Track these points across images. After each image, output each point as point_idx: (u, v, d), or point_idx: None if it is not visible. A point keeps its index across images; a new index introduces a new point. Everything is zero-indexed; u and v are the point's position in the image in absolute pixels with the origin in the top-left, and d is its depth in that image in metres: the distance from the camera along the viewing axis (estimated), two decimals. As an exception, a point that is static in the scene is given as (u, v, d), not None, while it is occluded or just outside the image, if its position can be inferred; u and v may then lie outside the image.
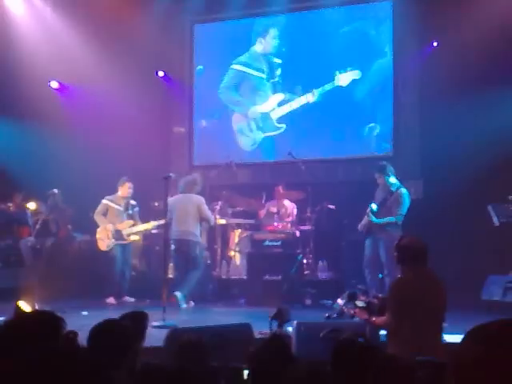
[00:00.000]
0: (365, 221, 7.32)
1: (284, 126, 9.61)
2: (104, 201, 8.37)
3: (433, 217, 8.27)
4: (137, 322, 3.37)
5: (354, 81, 9.42)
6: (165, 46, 9.89)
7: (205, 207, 7.84)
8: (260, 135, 9.71)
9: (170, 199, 7.61)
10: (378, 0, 9.57)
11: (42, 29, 9.78)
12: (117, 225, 8.28)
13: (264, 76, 9.58)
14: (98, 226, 8.33)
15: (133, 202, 8.46)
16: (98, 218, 8.34)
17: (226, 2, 9.99)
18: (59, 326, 2.59)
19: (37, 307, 5.66)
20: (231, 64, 10.05)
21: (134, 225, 8.37)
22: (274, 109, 9.39)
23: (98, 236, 8.33)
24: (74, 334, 2.59)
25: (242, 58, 9.78)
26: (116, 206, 8.36)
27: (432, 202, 8.33)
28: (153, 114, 9.82)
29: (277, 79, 9.40)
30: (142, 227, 8.43)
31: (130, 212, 8.41)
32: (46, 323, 2.54)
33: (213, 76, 10.27)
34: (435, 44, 8.87)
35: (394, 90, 9.26)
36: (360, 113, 9.44)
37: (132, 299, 8.22)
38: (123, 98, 9.33)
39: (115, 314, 3.47)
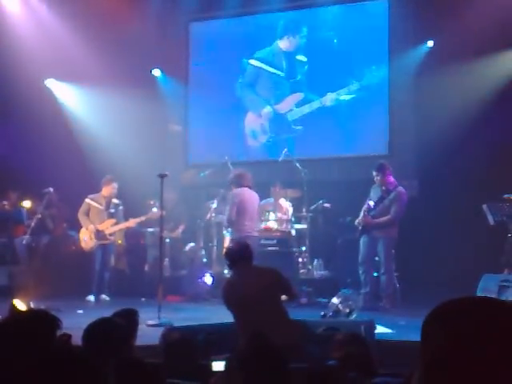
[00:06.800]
0: (362, 217, 7.34)
1: (300, 127, 9.17)
2: (87, 200, 8.40)
3: (428, 216, 8.29)
4: (129, 319, 3.37)
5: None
6: (161, 45, 9.87)
7: None
8: (273, 137, 9.18)
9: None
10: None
11: (38, 27, 9.73)
12: (97, 225, 8.30)
13: (283, 74, 9.06)
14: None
15: (116, 201, 8.44)
16: (81, 217, 8.39)
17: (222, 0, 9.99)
18: (54, 326, 2.56)
19: (32, 306, 5.65)
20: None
21: (115, 224, 8.38)
22: (291, 109, 8.74)
23: (80, 236, 8.41)
24: (68, 336, 2.56)
25: (261, 54, 9.19)
26: (97, 205, 8.37)
27: (427, 202, 8.34)
28: (148, 113, 9.79)
29: (299, 78, 8.60)
30: (122, 225, 8.46)
31: (112, 211, 8.40)
32: (40, 323, 2.52)
33: (209, 74, 10.26)
34: (431, 43, 8.88)
35: (390, 89, 9.26)
36: (356, 112, 9.44)
37: (108, 298, 8.24)
38: (119, 96, 9.29)
39: (110, 313, 3.47)
